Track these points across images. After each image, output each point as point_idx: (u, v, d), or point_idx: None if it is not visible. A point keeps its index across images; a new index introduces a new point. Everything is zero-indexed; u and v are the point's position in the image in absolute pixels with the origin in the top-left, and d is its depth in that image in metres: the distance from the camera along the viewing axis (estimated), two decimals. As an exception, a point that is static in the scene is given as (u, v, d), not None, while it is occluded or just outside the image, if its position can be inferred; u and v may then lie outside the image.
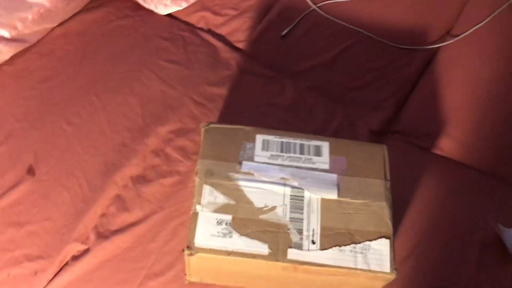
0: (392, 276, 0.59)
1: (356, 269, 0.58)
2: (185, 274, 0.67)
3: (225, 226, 0.59)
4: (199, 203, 0.60)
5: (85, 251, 0.72)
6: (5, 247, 0.72)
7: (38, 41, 0.89)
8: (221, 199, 0.61)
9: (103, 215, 0.74)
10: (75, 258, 0.72)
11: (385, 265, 0.59)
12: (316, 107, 0.87)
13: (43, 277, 0.71)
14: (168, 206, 0.75)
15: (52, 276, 0.71)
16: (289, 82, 0.89)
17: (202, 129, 0.65)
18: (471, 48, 0.94)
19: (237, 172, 0.63)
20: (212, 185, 0.61)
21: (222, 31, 0.95)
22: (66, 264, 0.72)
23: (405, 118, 0.88)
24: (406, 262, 0.73)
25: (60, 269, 0.71)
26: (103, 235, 0.73)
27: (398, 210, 0.77)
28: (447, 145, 0.85)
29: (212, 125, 0.66)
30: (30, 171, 0.77)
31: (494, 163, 0.84)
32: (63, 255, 0.72)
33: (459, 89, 0.90)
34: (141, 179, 0.77)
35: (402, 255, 0.73)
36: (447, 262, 0.73)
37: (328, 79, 0.91)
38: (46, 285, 0.70)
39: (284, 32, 0.94)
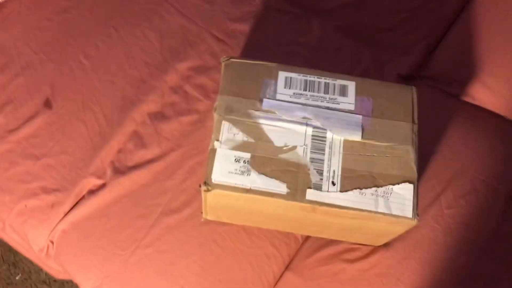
0: (414, 222, 0.57)
1: (376, 212, 0.56)
2: (201, 212, 0.66)
3: (243, 164, 0.57)
4: (217, 140, 0.58)
5: (102, 186, 0.71)
6: (22, 178, 0.72)
7: (56, -30, 0.85)
8: (240, 136, 0.59)
9: (120, 151, 0.73)
10: (92, 192, 0.71)
11: (407, 210, 0.57)
12: (343, 49, 0.83)
13: (59, 209, 0.71)
14: (186, 144, 0.74)
15: (69, 209, 0.71)
16: (316, 21, 0.85)
17: (223, 64, 0.62)
18: (513, -10, 0.87)
19: (257, 110, 0.60)
20: (231, 121, 0.59)
21: (247, -35, 0.90)
22: (83, 198, 0.71)
23: (435, 63, 0.84)
24: (428, 210, 0.71)
25: (77, 203, 0.71)
26: (120, 171, 0.72)
27: (423, 157, 0.74)
28: (479, 93, 0.81)
29: (233, 60, 0.63)
30: (47, 103, 0.76)
31: (528, 113, 0.80)
32: (80, 188, 0.72)
33: (497, 34, 0.84)
34: (159, 116, 0.75)
35: (425, 203, 0.71)
36: (471, 212, 0.71)
37: (356, 19, 0.86)
38: (63, 217, 0.71)
39: (312, -32, 0.89)
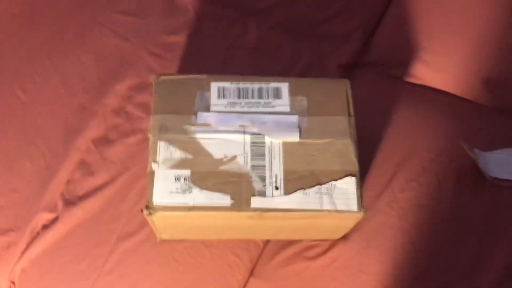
0: (360, 214, 0.57)
1: (322, 210, 0.56)
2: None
3: (184, 182, 0.57)
4: (155, 161, 0.58)
5: (55, 219, 0.71)
6: (-27, 223, 0.71)
7: (-19, 6, 0.84)
8: (177, 154, 0.58)
9: (68, 182, 0.72)
10: (45, 227, 0.71)
11: (352, 204, 0.57)
12: (282, 46, 0.83)
13: (16, 249, 0.70)
14: (134, 165, 0.73)
15: (25, 247, 0.70)
16: (252, 21, 0.84)
17: (153, 83, 0.62)
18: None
19: (192, 125, 0.60)
20: (167, 140, 0.59)
21: (176, -26, 0.89)
22: (38, 234, 0.71)
23: (375, 48, 0.84)
24: (381, 197, 0.71)
25: (32, 240, 0.70)
26: (70, 202, 0.71)
27: (371, 144, 0.75)
28: (421, 72, 0.82)
29: (163, 77, 0.62)
30: (-10, 144, 0.75)
31: (472, 87, 0.81)
32: (33, 225, 0.71)
33: (432, 12, 0.85)
34: (103, 141, 0.74)
35: (377, 191, 0.72)
36: (424, 193, 0.71)
37: (292, 15, 0.86)
38: (20, 256, 0.70)
39: (241, -31, 0.88)
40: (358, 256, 0.68)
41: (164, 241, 0.69)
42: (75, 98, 0.77)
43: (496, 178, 0.71)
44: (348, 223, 0.61)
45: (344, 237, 0.69)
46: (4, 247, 0.70)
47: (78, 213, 0.71)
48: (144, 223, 0.70)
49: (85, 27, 0.82)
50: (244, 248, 0.70)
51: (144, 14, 0.84)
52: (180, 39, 0.82)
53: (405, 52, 0.83)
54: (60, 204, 0.71)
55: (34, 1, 0.84)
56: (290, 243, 0.70)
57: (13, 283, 0.70)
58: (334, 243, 0.69)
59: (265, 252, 0.71)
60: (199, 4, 0.85)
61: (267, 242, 0.71)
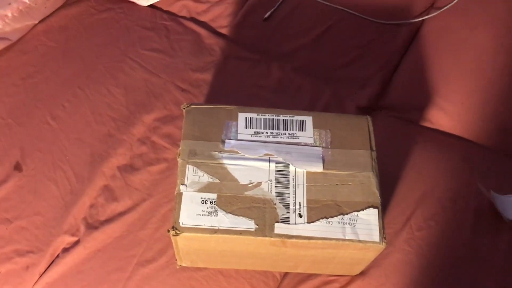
0: (382, 246, 0.58)
1: (344, 240, 0.57)
2: (176, 259, 0.66)
3: (210, 205, 0.59)
4: (183, 184, 0.59)
5: (76, 243, 0.71)
6: (-5, 244, 0.72)
7: (20, 38, 0.88)
8: (205, 178, 0.60)
9: (92, 206, 0.74)
10: (66, 250, 0.71)
11: (374, 235, 0.58)
12: (302, 87, 0.87)
13: (34, 271, 0.70)
14: (157, 193, 0.75)
15: (44, 269, 0.70)
16: (275, 64, 0.88)
17: (184, 110, 0.65)
18: (456, 19, 0.93)
19: (220, 151, 0.62)
20: (195, 165, 0.61)
21: (204, 18, 0.94)
22: (57, 257, 0.71)
23: (392, 93, 0.87)
24: (400, 234, 0.72)
25: (52, 262, 0.71)
26: (93, 226, 0.72)
27: (389, 184, 0.76)
28: (436, 117, 0.85)
29: (193, 106, 0.65)
30: (17, 167, 0.77)
31: (484, 132, 0.83)
32: (54, 248, 0.71)
33: (446, 60, 0.89)
34: (128, 168, 0.76)
35: (396, 228, 0.72)
36: (442, 231, 0.72)
37: (313, 59, 0.90)
38: (38, 278, 0.70)
39: (266, 15, 0.93)
40: (376, 292, 0.68)
41: (183, 269, 0.69)
42: (103, 126, 0.80)
43: (513, 221, 0.72)
44: (369, 255, 0.62)
45: (362, 273, 0.69)
46: (23, 269, 0.70)
47: (99, 238, 0.71)
48: (164, 250, 0.71)
49: (116, 61, 0.86)
50: (262, 280, 0.70)
51: (173, 52, 0.88)
52: (206, 76, 0.85)
53: (421, 98, 0.86)
54: (82, 227, 0.72)
55: (69, 36, 0.89)
56: (308, 277, 0.70)
57: (28, 305, 0.70)
58: (352, 279, 0.69)
59: (282, 286, 0.71)
60: (225, 46, 0.90)
61: (284, 275, 0.71)
